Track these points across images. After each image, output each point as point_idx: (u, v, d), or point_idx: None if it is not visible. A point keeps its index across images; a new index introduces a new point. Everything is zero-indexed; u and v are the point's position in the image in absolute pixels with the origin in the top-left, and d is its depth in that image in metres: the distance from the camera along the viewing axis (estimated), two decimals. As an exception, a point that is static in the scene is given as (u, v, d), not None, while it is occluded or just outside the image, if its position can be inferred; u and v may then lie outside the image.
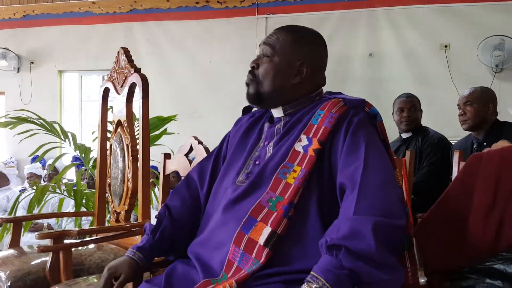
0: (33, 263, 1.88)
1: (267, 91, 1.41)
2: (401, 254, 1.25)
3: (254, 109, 1.63)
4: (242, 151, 1.47)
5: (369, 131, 1.30)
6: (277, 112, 1.44)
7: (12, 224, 2.16)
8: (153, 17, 5.74)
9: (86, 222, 3.48)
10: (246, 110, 1.65)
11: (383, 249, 1.08)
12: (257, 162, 1.38)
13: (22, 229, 2.28)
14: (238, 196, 1.33)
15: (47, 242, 1.69)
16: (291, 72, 1.40)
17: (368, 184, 1.17)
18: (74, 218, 3.34)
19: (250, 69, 1.46)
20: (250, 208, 1.27)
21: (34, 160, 4.35)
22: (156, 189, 3.44)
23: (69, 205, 3.72)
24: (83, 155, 3.08)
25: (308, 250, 1.20)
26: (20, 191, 4.15)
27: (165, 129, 3.20)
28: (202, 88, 5.51)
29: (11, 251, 2.01)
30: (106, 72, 5.44)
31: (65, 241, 1.73)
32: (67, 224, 3.69)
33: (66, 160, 4.47)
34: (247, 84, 1.45)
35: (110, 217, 2.37)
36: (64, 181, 3.72)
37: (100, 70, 5.86)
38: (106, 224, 2.52)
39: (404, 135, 3.21)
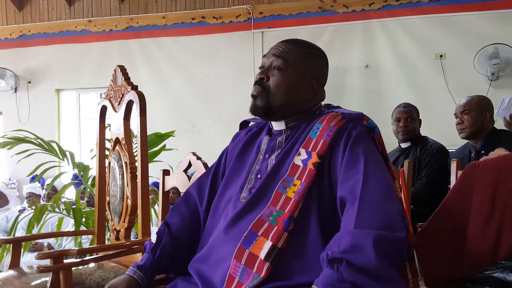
0: (33, 283, 1.86)
1: (278, 104, 1.40)
2: (402, 266, 1.25)
3: (251, 123, 1.64)
4: (242, 166, 1.48)
5: (367, 145, 1.31)
6: (278, 125, 1.45)
7: (11, 245, 2.15)
8: (149, 34, 5.77)
9: (86, 241, 3.47)
10: (243, 125, 1.66)
11: (384, 262, 1.08)
12: (258, 176, 1.39)
13: (22, 250, 2.26)
14: (240, 212, 1.33)
15: (47, 262, 1.68)
16: (302, 86, 1.41)
17: (368, 198, 1.18)
18: (74, 237, 3.32)
19: (257, 80, 1.43)
20: (251, 223, 1.27)
21: (33, 179, 4.35)
22: (156, 206, 3.43)
23: (69, 224, 3.71)
24: (81, 174, 3.07)
25: (309, 263, 1.20)
26: (19, 211, 4.14)
27: (164, 146, 3.20)
28: (200, 103, 5.53)
29: (11, 272, 2.00)
30: (104, 90, 5.47)
31: (65, 261, 1.72)
32: (67, 243, 3.67)
33: (65, 179, 4.47)
34: (255, 97, 1.43)
35: (110, 235, 2.36)
36: (64, 200, 3.71)
37: (98, 88, 5.87)
38: (106, 242, 2.51)
39: (403, 145, 3.23)
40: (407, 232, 1.22)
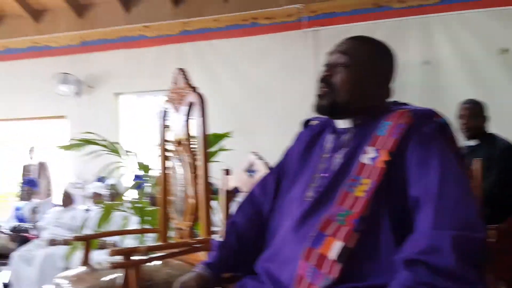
0: (104, 279, 1.94)
1: (344, 101, 1.38)
2: (481, 268, 1.21)
3: (314, 122, 1.63)
4: (306, 165, 1.47)
5: (440, 142, 1.27)
6: (344, 123, 1.42)
7: (83, 242, 2.26)
8: (202, 37, 5.83)
9: (148, 239, 3.56)
10: (305, 124, 1.65)
11: (463, 263, 1.04)
12: (324, 175, 1.37)
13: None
14: (306, 211, 1.32)
15: (115, 258, 1.74)
16: (369, 83, 1.39)
17: (445, 197, 1.14)
18: (136, 235, 3.42)
19: (322, 77, 1.42)
20: (319, 222, 1.26)
21: (98, 180, 4.53)
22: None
23: (130, 223, 3.82)
24: (144, 174, 3.17)
25: (382, 264, 1.18)
26: (85, 210, 4.32)
27: (222, 146, 3.24)
28: (253, 104, 5.53)
29: (83, 268, 2.09)
30: (161, 93, 5.59)
31: (135, 258, 1.78)
32: (130, 241, 3.78)
33: (127, 179, 4.61)
34: (320, 96, 1.41)
35: (173, 234, 2.42)
36: (126, 199, 3.82)
37: (155, 91, 5.96)
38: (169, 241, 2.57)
39: (470, 143, 3.12)
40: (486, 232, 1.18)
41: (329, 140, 1.45)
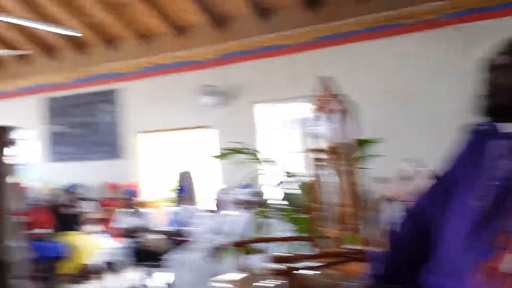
0: (264, 285, 2.01)
1: None
2: None
3: (479, 127, 1.53)
4: (473, 173, 1.37)
5: None
6: None
7: (239, 247, 2.37)
8: (339, 41, 5.77)
9: (294, 247, 3.60)
10: (471, 129, 1.55)
11: None
12: (493, 183, 1.28)
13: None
14: (476, 222, 1.24)
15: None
16: None
17: None
18: (281, 242, 3.48)
19: (488, 78, 1.33)
20: (491, 234, 1.17)
21: (243, 187, 4.73)
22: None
23: (277, 230, 3.91)
24: (290, 181, 3.23)
25: None
26: (234, 216, 4.51)
27: (371, 152, 3.16)
28: (399, 108, 5.32)
29: (242, 273, 2.19)
30: (298, 100, 5.64)
31: (292, 265, 1.82)
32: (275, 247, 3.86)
33: (269, 186, 4.73)
34: (486, 97, 1.33)
35: (323, 241, 2.43)
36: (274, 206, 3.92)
37: (292, 98, 6.03)
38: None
39: None
40: None
41: (497, 146, 1.35)
